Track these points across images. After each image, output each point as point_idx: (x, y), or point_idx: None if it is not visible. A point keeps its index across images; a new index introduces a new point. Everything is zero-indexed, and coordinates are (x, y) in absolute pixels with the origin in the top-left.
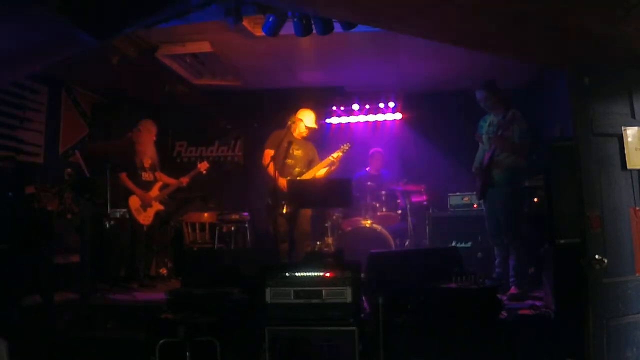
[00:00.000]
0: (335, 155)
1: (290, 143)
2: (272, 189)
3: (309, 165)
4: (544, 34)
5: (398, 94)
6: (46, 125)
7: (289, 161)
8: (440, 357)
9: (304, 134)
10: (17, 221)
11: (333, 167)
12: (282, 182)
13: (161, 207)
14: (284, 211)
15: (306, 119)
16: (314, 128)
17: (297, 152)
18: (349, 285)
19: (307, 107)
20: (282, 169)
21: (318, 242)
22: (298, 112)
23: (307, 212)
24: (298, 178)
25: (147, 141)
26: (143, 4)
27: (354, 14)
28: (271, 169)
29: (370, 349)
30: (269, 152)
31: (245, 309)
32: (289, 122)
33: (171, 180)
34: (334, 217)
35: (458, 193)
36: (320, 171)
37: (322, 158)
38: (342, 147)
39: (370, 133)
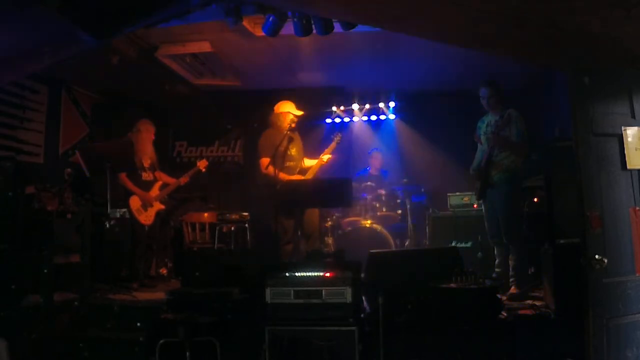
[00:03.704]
0: (329, 148)
1: (290, 139)
2: (275, 190)
3: (302, 154)
4: (544, 34)
5: (398, 94)
6: (46, 125)
7: (290, 164)
8: (440, 357)
9: (293, 125)
10: (17, 221)
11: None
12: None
13: (162, 207)
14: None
15: (292, 109)
16: (301, 114)
17: (293, 152)
18: (349, 285)
19: (305, 108)
20: (283, 170)
21: (318, 242)
22: (276, 108)
23: (314, 212)
24: (303, 176)
25: (146, 141)
26: (143, 4)
27: (354, 14)
28: (271, 171)
29: (370, 349)
30: (265, 161)
31: (245, 309)
32: (275, 120)
33: (171, 180)
34: (334, 216)
35: (458, 193)
36: (313, 162)
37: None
38: (334, 138)
39: (370, 133)
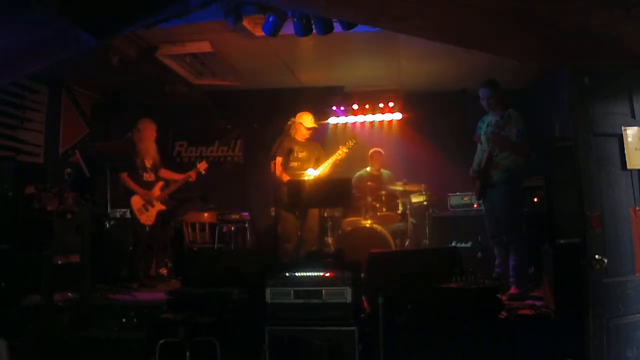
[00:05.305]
0: (340, 152)
1: (290, 150)
2: (280, 189)
3: (316, 163)
4: (544, 34)
5: (398, 94)
6: (46, 125)
7: (293, 164)
8: (440, 357)
9: (307, 136)
10: (17, 221)
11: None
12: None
13: (163, 207)
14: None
15: (305, 121)
16: (315, 127)
17: (301, 155)
18: (349, 285)
19: (305, 108)
20: (288, 172)
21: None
22: (296, 117)
23: (315, 212)
24: (306, 178)
25: (148, 140)
26: (143, 4)
27: (354, 14)
28: (272, 168)
29: (370, 349)
30: (280, 160)
31: (245, 309)
32: (287, 126)
33: (178, 176)
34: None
35: (458, 193)
36: (326, 168)
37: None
38: (347, 143)
39: (370, 133)
